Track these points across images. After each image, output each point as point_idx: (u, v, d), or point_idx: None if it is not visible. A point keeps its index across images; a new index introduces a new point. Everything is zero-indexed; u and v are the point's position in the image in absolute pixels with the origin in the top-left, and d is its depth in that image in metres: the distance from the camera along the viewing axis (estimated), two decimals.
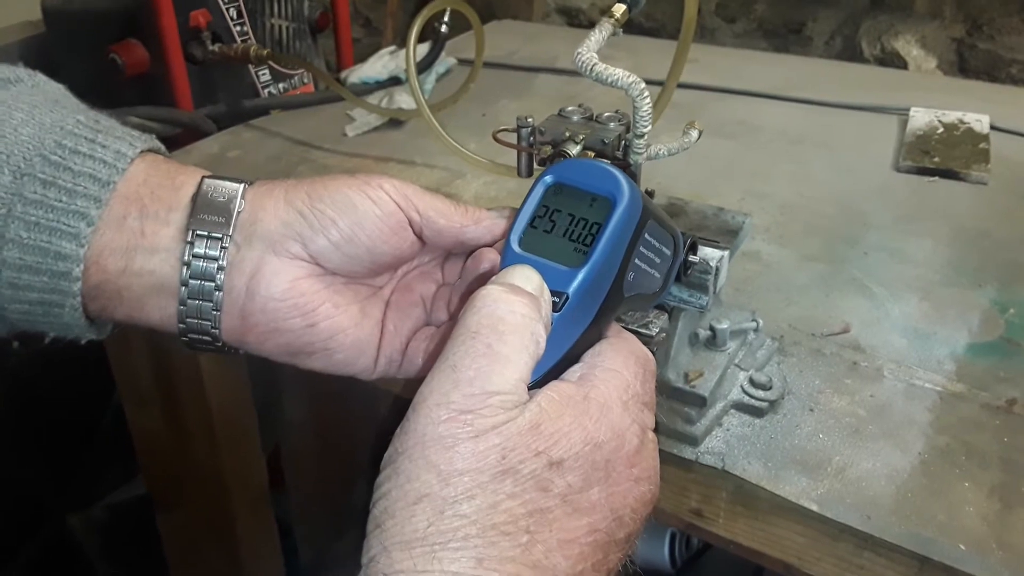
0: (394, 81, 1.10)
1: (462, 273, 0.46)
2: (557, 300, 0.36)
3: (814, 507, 0.51)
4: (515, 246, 0.38)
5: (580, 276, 0.36)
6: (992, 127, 0.99)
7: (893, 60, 1.39)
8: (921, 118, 1.02)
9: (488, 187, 0.88)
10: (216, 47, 1.09)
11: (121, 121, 0.44)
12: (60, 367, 1.22)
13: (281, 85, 1.21)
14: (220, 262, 0.41)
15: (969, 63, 1.36)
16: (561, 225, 0.37)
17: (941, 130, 0.99)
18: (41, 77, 0.44)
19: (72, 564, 1.29)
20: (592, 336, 0.38)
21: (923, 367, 0.61)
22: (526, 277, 0.36)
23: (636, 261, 0.39)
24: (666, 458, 0.55)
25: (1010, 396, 0.59)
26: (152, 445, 0.98)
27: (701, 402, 0.55)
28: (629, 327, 0.45)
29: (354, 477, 1.28)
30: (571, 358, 0.37)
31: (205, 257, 0.41)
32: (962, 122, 1.00)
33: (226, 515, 0.98)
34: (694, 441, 0.55)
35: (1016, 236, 0.79)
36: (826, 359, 0.62)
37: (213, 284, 0.41)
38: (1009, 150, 0.96)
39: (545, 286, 0.37)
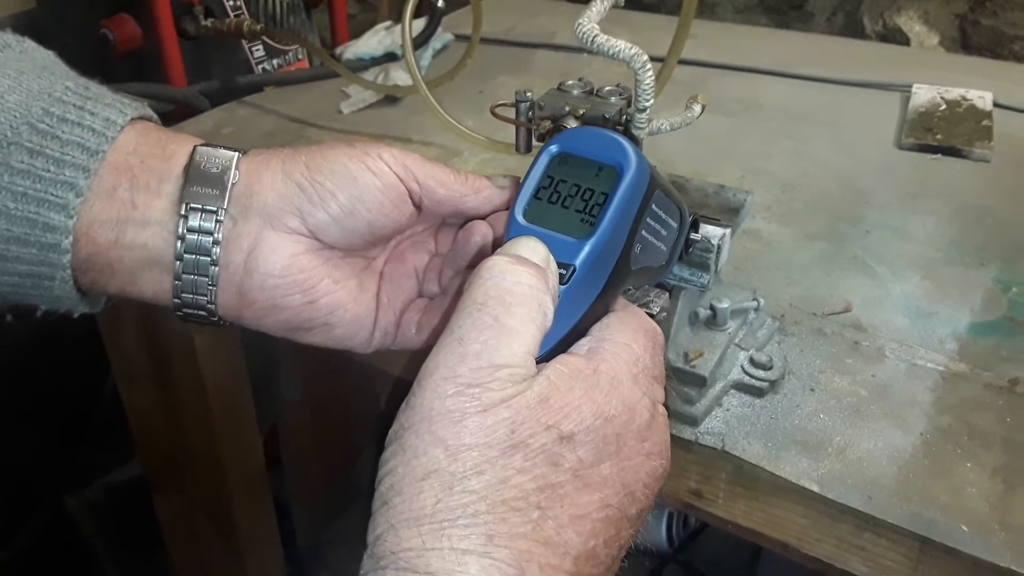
0: (390, 57, 1.08)
1: (453, 245, 0.45)
2: (564, 272, 0.35)
3: (815, 488, 0.50)
4: (519, 217, 0.37)
5: (587, 247, 0.35)
6: (995, 104, 0.98)
7: (895, 36, 1.38)
8: (923, 95, 1.01)
9: (485, 165, 0.87)
10: (209, 22, 1.07)
11: (113, 88, 0.43)
12: (56, 347, 1.21)
13: (275, 61, 1.19)
14: (216, 236, 0.40)
15: (972, 39, 1.34)
16: (567, 196, 0.36)
17: (944, 107, 0.98)
18: (30, 43, 0.43)
19: (70, 545, 1.29)
20: (599, 309, 0.37)
21: (925, 346, 0.61)
22: (532, 248, 0.36)
23: (643, 233, 0.38)
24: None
25: (1013, 376, 0.58)
26: (147, 425, 0.97)
27: (701, 382, 0.55)
28: None
29: (352, 456, 1.28)
30: (579, 331, 0.37)
31: (200, 231, 0.40)
32: (965, 99, 0.99)
33: (223, 494, 0.98)
34: (694, 421, 0.54)
35: (1019, 214, 0.78)
36: (827, 338, 0.62)
37: (209, 259, 0.40)
38: (1012, 127, 0.95)
39: (552, 257, 0.36)
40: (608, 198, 0.35)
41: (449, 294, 0.46)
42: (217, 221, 0.40)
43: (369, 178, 0.41)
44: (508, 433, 0.31)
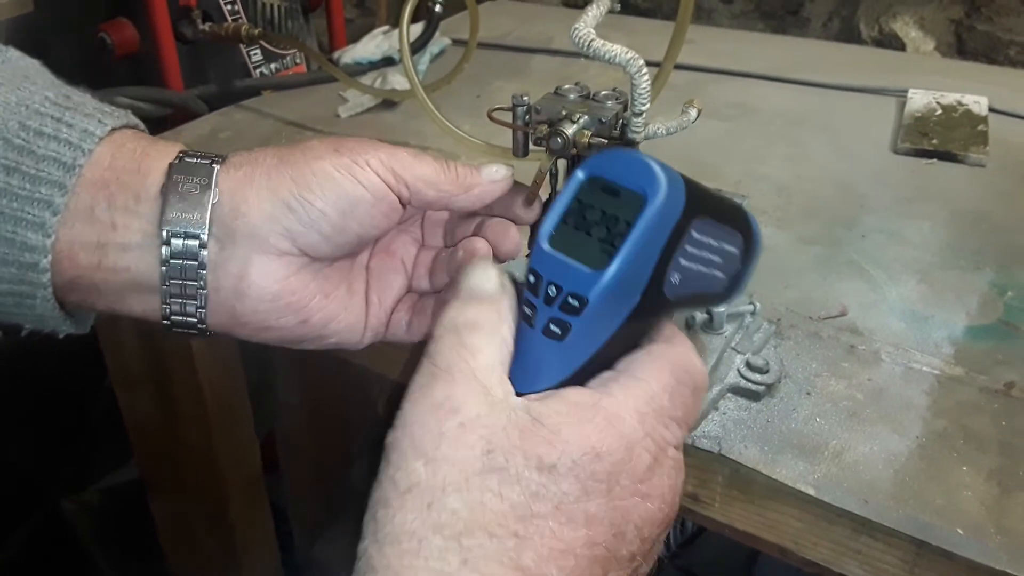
0: (387, 61, 1.09)
1: (448, 255, 0.44)
2: (577, 304, 0.34)
3: (811, 491, 0.50)
4: (543, 243, 0.35)
5: (603, 280, 0.33)
6: (991, 109, 0.99)
7: (891, 42, 1.38)
8: (919, 100, 1.01)
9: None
10: (207, 26, 1.07)
11: (101, 97, 0.41)
12: (53, 350, 1.21)
13: (273, 65, 1.20)
14: (201, 260, 0.39)
15: (967, 45, 1.35)
16: (592, 222, 0.35)
17: (939, 112, 0.98)
18: (13, 52, 0.42)
19: (65, 548, 1.29)
20: (626, 341, 0.36)
21: (921, 350, 0.61)
22: (482, 277, 0.36)
23: (682, 262, 0.35)
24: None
25: (1008, 379, 0.58)
26: (144, 429, 0.97)
27: None
28: None
29: (348, 460, 1.27)
30: (602, 361, 0.35)
31: (184, 255, 0.38)
32: (960, 104, 1.00)
33: (220, 499, 0.98)
34: None
35: (1015, 218, 0.79)
36: (823, 342, 0.62)
37: (197, 284, 0.39)
38: (1007, 132, 0.95)
39: (507, 283, 0.36)
40: (630, 228, 0.33)
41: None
42: (201, 246, 0.39)
43: (360, 192, 0.40)
44: (484, 451, 0.31)
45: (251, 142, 0.95)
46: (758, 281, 0.67)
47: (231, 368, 0.92)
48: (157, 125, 0.97)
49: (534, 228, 0.45)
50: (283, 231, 0.39)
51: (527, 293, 0.36)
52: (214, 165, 0.39)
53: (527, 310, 0.35)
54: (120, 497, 1.31)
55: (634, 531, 0.33)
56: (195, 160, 0.39)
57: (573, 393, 0.34)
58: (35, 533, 1.29)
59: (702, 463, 0.54)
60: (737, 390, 0.57)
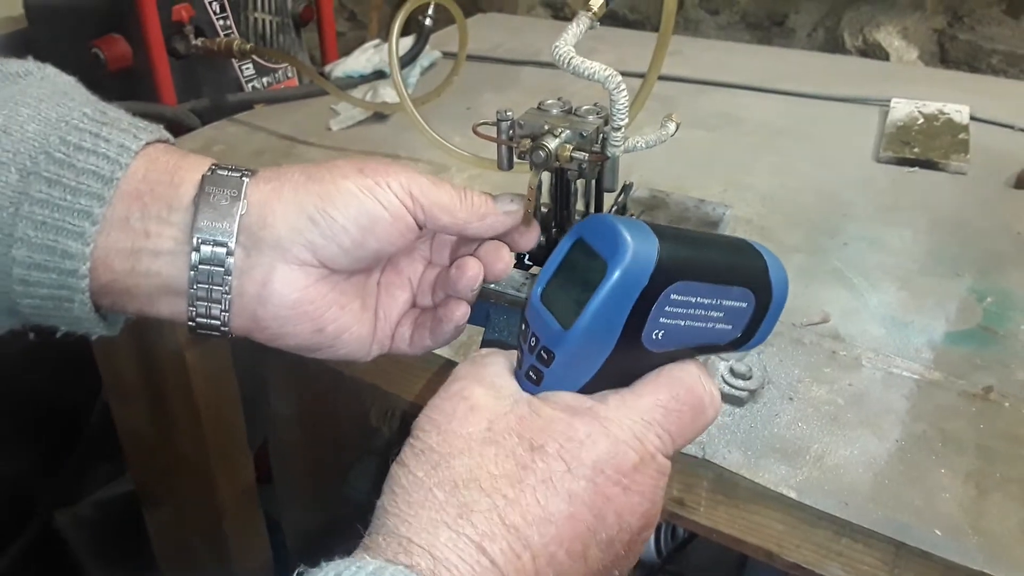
0: (378, 75, 1.10)
1: (448, 273, 0.46)
2: (546, 356, 0.37)
3: (793, 494, 0.51)
4: (536, 297, 0.38)
5: (567, 337, 0.36)
6: (972, 117, 1.00)
7: (875, 51, 1.40)
8: (902, 109, 1.03)
9: (473, 181, 0.89)
10: (199, 41, 1.09)
11: (131, 111, 0.44)
12: (48, 363, 1.22)
13: (265, 79, 1.21)
14: (227, 266, 0.41)
15: (950, 54, 1.37)
16: (572, 282, 0.37)
17: (921, 121, 1.00)
18: (51, 69, 0.44)
19: (59, 561, 1.29)
20: (607, 384, 0.38)
21: (901, 355, 0.62)
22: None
23: (662, 320, 0.37)
24: None
25: (986, 384, 0.59)
26: (138, 441, 0.98)
27: None
28: None
29: (342, 471, 1.28)
30: None
31: (212, 262, 0.41)
32: (942, 113, 1.01)
33: (213, 510, 0.98)
34: None
35: (994, 225, 0.80)
36: (806, 348, 0.63)
37: (222, 288, 0.42)
38: (988, 140, 0.97)
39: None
40: (594, 292, 0.36)
41: (440, 317, 0.47)
42: (228, 253, 0.41)
43: (379, 211, 0.42)
44: (486, 428, 0.36)
45: (243, 155, 0.96)
46: None
47: (225, 380, 0.93)
48: (174, 141, 0.98)
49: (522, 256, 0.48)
50: (306, 243, 0.42)
51: (520, 340, 0.39)
52: (244, 178, 0.42)
53: (520, 354, 0.39)
54: (114, 509, 1.31)
55: (614, 517, 0.36)
56: (226, 173, 0.42)
57: (571, 397, 0.38)
58: (29, 545, 1.29)
59: (687, 468, 0.55)
60: (721, 396, 0.58)
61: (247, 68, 1.19)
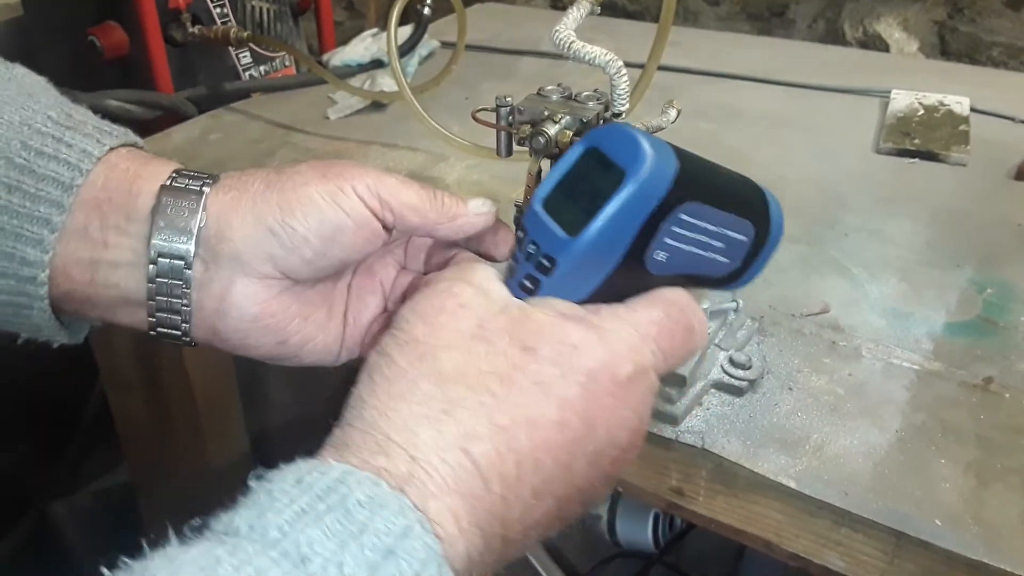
0: (376, 64, 1.09)
1: (417, 282, 0.45)
2: (548, 264, 0.36)
3: (792, 484, 0.51)
4: (537, 204, 0.37)
5: (572, 246, 0.35)
6: (972, 109, 1.00)
7: (875, 43, 1.40)
8: (902, 100, 1.02)
9: (471, 170, 0.88)
10: (196, 29, 1.08)
11: (91, 100, 0.43)
12: (44, 353, 1.21)
13: (262, 68, 1.20)
14: (185, 280, 0.40)
15: (950, 46, 1.36)
16: (581, 190, 0.36)
17: (921, 112, 0.99)
18: (20, 69, 0.43)
19: (55, 551, 1.28)
20: (604, 301, 0.37)
21: (901, 346, 0.62)
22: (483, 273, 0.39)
23: (667, 241, 0.36)
24: (647, 437, 0.55)
25: (986, 374, 0.59)
26: (135, 431, 0.98)
27: (681, 382, 0.56)
28: None
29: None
30: None
31: (170, 275, 0.40)
32: (942, 104, 1.01)
33: (211, 501, 0.98)
34: (674, 420, 0.55)
35: (994, 217, 0.80)
36: (805, 339, 0.63)
37: (181, 302, 0.40)
38: (988, 132, 0.96)
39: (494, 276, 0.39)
40: (605, 201, 0.35)
41: None
42: (187, 267, 0.40)
43: (342, 219, 0.40)
44: (477, 325, 0.35)
45: (240, 144, 0.95)
46: None
47: (222, 370, 0.92)
48: (147, 128, 0.98)
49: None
50: (266, 255, 0.40)
51: (516, 248, 0.38)
52: (204, 189, 0.41)
53: (513, 263, 0.38)
54: (111, 499, 1.31)
55: (604, 430, 0.35)
56: (185, 183, 0.41)
57: (565, 304, 0.37)
58: (26, 536, 1.29)
59: (686, 458, 0.55)
60: (720, 386, 0.58)
61: (244, 56, 1.18)
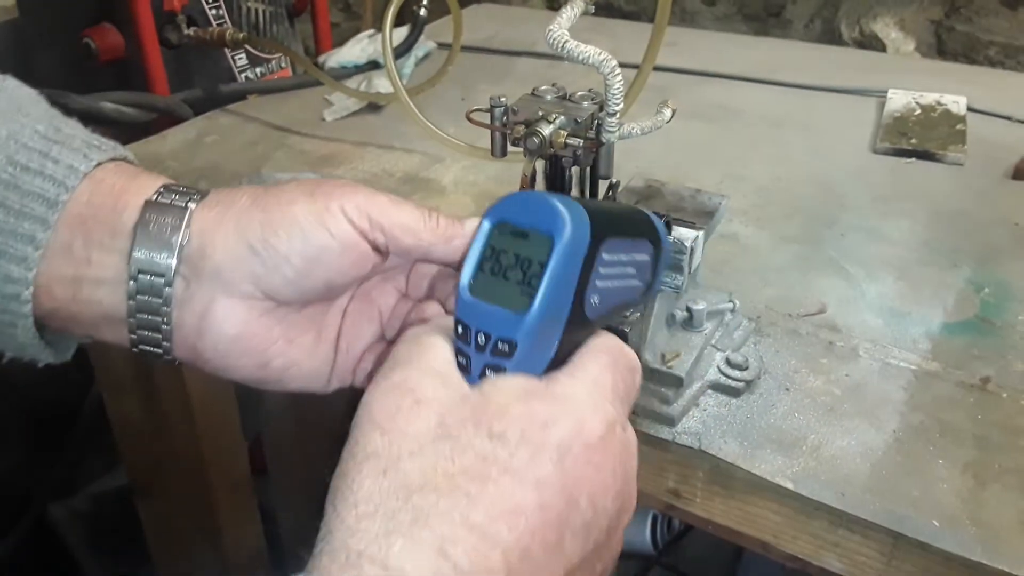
0: (372, 65, 1.09)
1: (407, 316, 0.44)
2: (507, 347, 0.35)
3: (789, 485, 0.51)
4: (464, 293, 0.36)
5: (527, 321, 0.35)
6: (969, 108, 1.00)
7: (872, 43, 1.40)
8: (899, 100, 1.02)
9: (467, 171, 0.88)
10: (191, 31, 1.08)
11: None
12: None
13: (258, 69, 1.20)
14: (165, 298, 0.39)
15: (947, 45, 1.36)
16: (507, 267, 0.36)
17: (918, 112, 0.99)
18: (11, 82, 0.42)
19: (54, 553, 1.28)
20: (558, 366, 0.37)
21: (898, 346, 0.62)
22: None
23: (598, 284, 0.37)
24: (643, 439, 0.55)
25: (984, 374, 0.59)
26: (132, 433, 0.97)
27: (678, 383, 0.55)
28: None
29: (336, 463, 1.27)
30: None
31: (150, 292, 0.39)
32: (939, 103, 1.01)
33: (208, 503, 0.98)
34: (671, 421, 0.55)
35: (991, 216, 0.80)
36: (802, 339, 0.62)
37: (160, 319, 0.40)
38: (985, 131, 0.96)
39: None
40: (543, 268, 0.35)
41: None
42: (167, 284, 0.39)
43: (326, 240, 0.39)
44: (438, 423, 0.33)
45: (236, 146, 0.95)
46: (738, 279, 0.69)
47: None
48: (142, 130, 0.98)
49: None
50: (247, 274, 0.39)
51: (458, 343, 0.37)
52: (190, 205, 0.40)
53: (461, 360, 0.36)
54: (109, 502, 1.31)
55: (587, 500, 0.34)
56: (171, 200, 0.40)
57: (523, 380, 0.35)
58: (24, 538, 1.29)
59: (683, 459, 0.55)
60: (717, 387, 0.57)
61: (240, 58, 1.18)
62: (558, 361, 0.37)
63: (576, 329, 0.37)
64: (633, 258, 0.40)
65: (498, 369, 0.36)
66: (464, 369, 0.36)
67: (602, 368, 0.37)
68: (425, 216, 0.41)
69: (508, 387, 0.35)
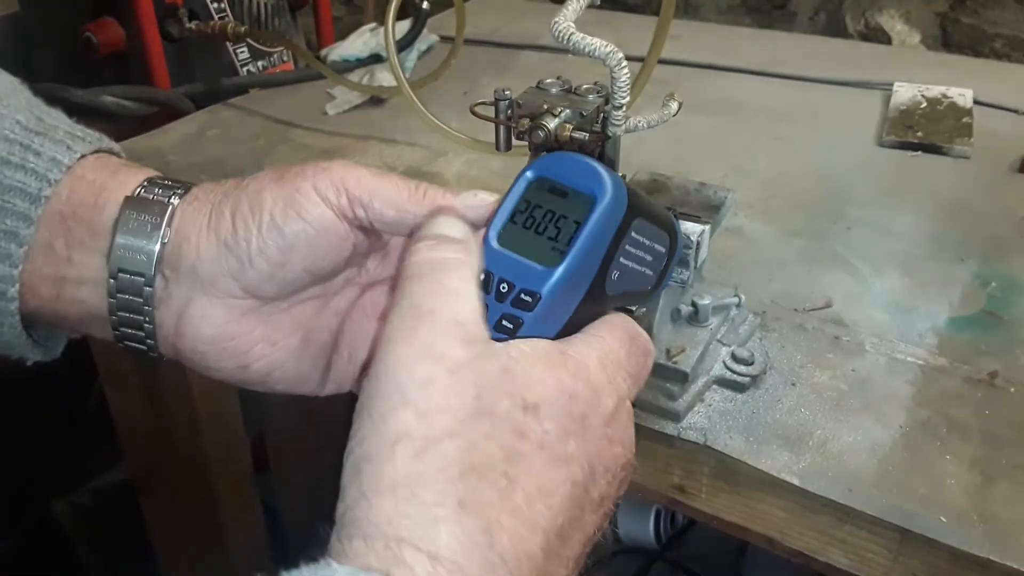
0: (375, 59, 1.09)
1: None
2: (530, 300, 0.35)
3: (795, 481, 0.51)
4: (493, 241, 0.36)
5: (555, 276, 0.35)
6: (975, 101, 0.99)
7: (877, 35, 1.39)
8: (904, 93, 1.02)
9: (471, 165, 0.88)
10: (193, 24, 1.07)
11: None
12: None
13: (260, 63, 1.19)
14: (146, 297, 0.38)
15: (953, 38, 1.36)
16: (541, 222, 0.36)
17: (924, 105, 0.99)
18: None
19: (57, 549, 1.28)
20: (571, 332, 0.37)
21: (905, 341, 0.61)
22: (449, 225, 0.35)
23: (621, 260, 0.37)
24: (648, 434, 0.55)
25: (991, 369, 0.59)
26: (134, 429, 0.97)
27: (683, 378, 0.55)
28: None
29: (339, 459, 1.27)
30: None
31: (130, 291, 0.38)
32: (945, 96, 1.00)
33: (209, 498, 0.98)
34: (676, 417, 0.55)
35: (998, 210, 0.79)
36: (808, 334, 0.62)
37: (142, 319, 0.39)
38: (992, 124, 0.96)
39: (469, 232, 0.36)
40: (580, 227, 0.35)
41: None
42: (147, 283, 0.38)
43: (297, 225, 0.37)
44: (475, 396, 0.31)
45: (238, 140, 0.95)
46: (743, 274, 0.68)
47: None
48: (144, 124, 0.97)
49: None
50: (225, 272, 0.38)
51: (480, 292, 0.36)
52: (172, 200, 0.39)
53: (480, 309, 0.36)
54: (111, 497, 1.31)
55: (603, 472, 0.34)
56: (153, 195, 0.39)
57: (537, 342, 0.34)
58: (26, 534, 1.29)
59: (688, 455, 0.55)
60: (723, 382, 0.57)
61: (242, 52, 1.17)
62: (568, 331, 0.36)
63: (593, 301, 0.37)
64: (653, 246, 0.40)
65: (515, 321, 0.35)
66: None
67: (618, 342, 0.36)
68: (411, 187, 0.38)
69: (534, 352, 0.33)
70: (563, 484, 0.31)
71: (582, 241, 0.35)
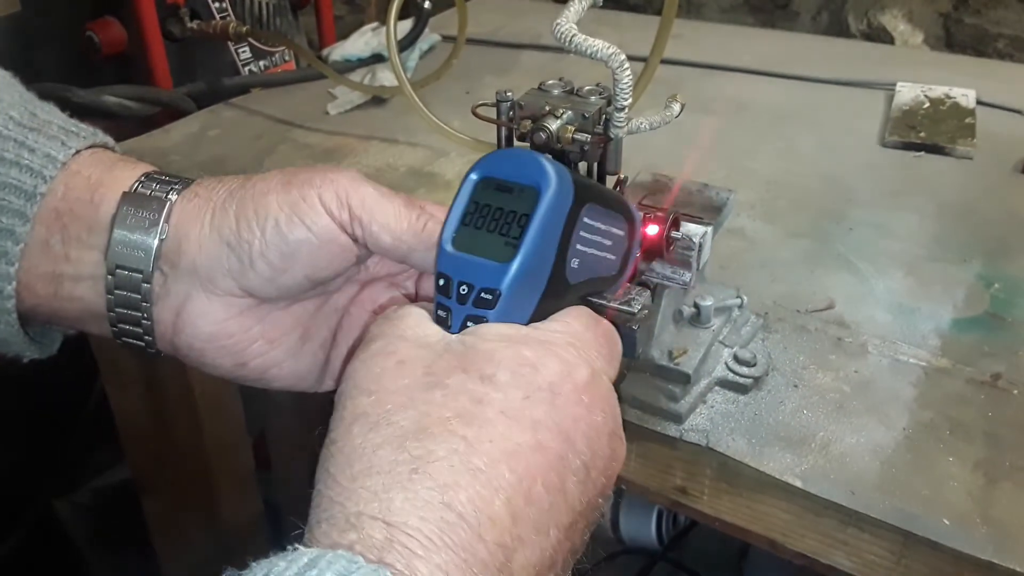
0: (377, 58, 1.08)
1: None
2: (491, 297, 0.35)
3: (798, 483, 0.50)
4: (448, 246, 0.36)
5: (512, 270, 0.35)
6: (978, 102, 0.99)
7: (880, 35, 1.39)
8: (907, 93, 1.01)
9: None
10: (195, 24, 1.07)
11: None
12: None
13: (262, 63, 1.19)
14: (144, 294, 0.38)
15: (956, 38, 1.35)
16: (491, 220, 0.36)
17: (927, 105, 0.98)
18: None
19: (58, 548, 1.28)
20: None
21: (908, 342, 0.61)
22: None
23: (578, 247, 0.38)
24: (650, 436, 0.55)
25: (995, 371, 0.58)
26: (135, 428, 0.97)
27: (685, 379, 0.55)
28: (611, 304, 0.44)
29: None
30: None
31: (128, 288, 0.38)
32: (948, 97, 1.00)
33: (211, 497, 0.98)
34: (678, 419, 0.54)
35: (1001, 211, 0.79)
36: (811, 335, 0.62)
37: (139, 315, 0.39)
38: (995, 125, 0.95)
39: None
40: (528, 219, 0.35)
41: None
42: (145, 280, 0.38)
43: (302, 234, 0.37)
44: (424, 373, 0.32)
45: (240, 140, 0.95)
46: (745, 275, 0.68)
47: None
48: (145, 124, 0.97)
49: None
50: (224, 271, 0.38)
51: (439, 297, 0.37)
52: (170, 196, 0.39)
53: (441, 313, 0.36)
54: (113, 497, 1.31)
55: (583, 440, 0.33)
56: (151, 191, 0.39)
57: (505, 327, 0.35)
58: (27, 533, 1.29)
59: (690, 456, 0.54)
60: (725, 383, 0.57)
61: (243, 51, 1.17)
62: (538, 319, 0.37)
63: (555, 292, 0.37)
64: (610, 230, 0.40)
65: (479, 320, 0.36)
66: (444, 323, 0.36)
67: (583, 325, 0.36)
68: (412, 216, 0.39)
69: (492, 333, 0.34)
70: (531, 448, 0.31)
71: (532, 232, 0.35)
